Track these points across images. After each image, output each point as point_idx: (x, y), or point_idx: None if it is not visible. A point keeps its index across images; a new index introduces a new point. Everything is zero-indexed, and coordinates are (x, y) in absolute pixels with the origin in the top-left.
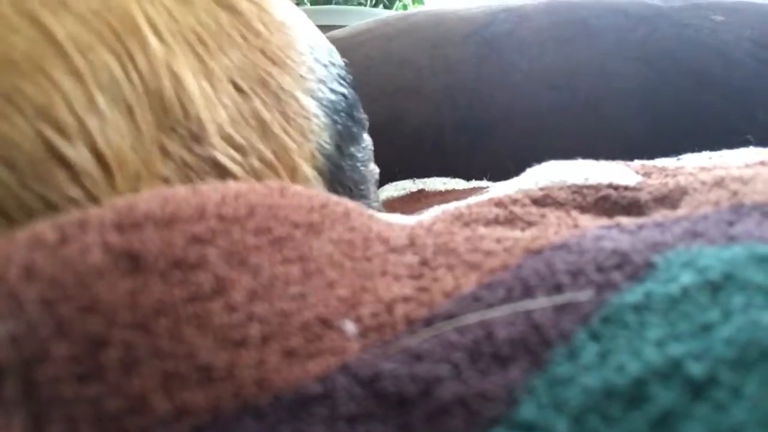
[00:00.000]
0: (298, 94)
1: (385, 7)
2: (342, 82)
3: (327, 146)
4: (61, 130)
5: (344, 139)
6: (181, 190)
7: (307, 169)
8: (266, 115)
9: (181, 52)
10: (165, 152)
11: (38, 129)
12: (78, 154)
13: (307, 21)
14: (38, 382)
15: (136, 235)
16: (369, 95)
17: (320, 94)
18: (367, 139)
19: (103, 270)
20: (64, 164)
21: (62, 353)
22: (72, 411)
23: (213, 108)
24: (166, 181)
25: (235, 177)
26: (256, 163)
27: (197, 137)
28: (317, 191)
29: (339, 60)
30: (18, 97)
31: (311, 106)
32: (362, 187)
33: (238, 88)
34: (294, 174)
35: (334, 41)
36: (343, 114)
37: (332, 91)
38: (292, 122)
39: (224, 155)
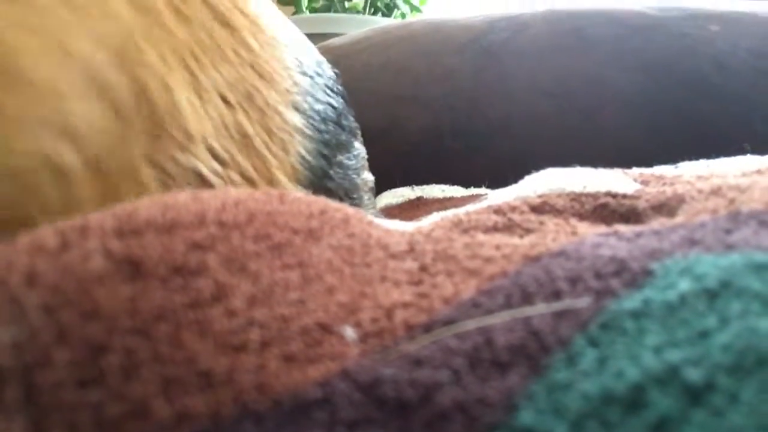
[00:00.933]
0: (282, 109)
1: (384, 15)
2: (329, 92)
3: (310, 158)
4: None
5: (332, 147)
6: (181, 197)
7: (287, 184)
8: (249, 129)
9: (177, 67)
10: (150, 160)
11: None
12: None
13: (297, 32)
14: (39, 388)
15: (136, 242)
16: (367, 103)
17: (305, 106)
18: (358, 148)
19: (104, 276)
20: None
21: (63, 359)
22: (73, 416)
23: (200, 120)
24: (144, 187)
25: (213, 188)
26: (235, 176)
27: (183, 147)
28: (316, 197)
29: (328, 71)
30: None
31: (295, 120)
32: (354, 196)
33: (225, 101)
34: (272, 188)
35: (333, 49)
36: (330, 123)
37: (318, 100)
38: (275, 137)
39: (206, 167)
